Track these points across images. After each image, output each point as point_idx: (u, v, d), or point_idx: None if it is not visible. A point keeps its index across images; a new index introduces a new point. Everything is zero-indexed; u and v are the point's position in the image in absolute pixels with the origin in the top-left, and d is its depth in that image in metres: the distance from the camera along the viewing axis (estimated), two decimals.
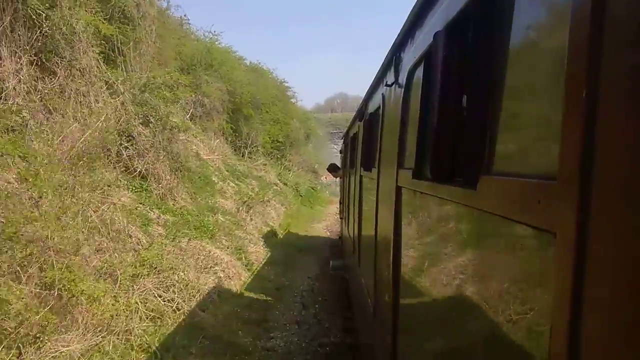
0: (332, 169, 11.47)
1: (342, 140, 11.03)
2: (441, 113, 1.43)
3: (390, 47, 2.88)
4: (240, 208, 12.03)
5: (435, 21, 1.60)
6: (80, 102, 7.79)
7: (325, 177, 35.82)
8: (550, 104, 0.84)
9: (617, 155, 0.58)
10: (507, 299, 1.02)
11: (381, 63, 3.40)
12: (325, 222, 18.63)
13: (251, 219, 12.02)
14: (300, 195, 22.66)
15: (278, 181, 21.15)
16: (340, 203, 11.79)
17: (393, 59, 2.80)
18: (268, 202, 14.50)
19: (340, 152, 12.09)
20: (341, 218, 10.73)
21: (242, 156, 20.48)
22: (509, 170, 1.03)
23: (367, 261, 3.89)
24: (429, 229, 1.88)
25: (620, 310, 0.56)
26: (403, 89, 2.35)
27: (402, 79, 2.41)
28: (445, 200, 1.48)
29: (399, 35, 2.54)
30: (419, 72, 1.99)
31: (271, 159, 24.39)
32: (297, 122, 29.89)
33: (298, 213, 18.54)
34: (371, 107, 4.19)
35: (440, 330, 1.64)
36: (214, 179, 13.09)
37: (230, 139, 19.30)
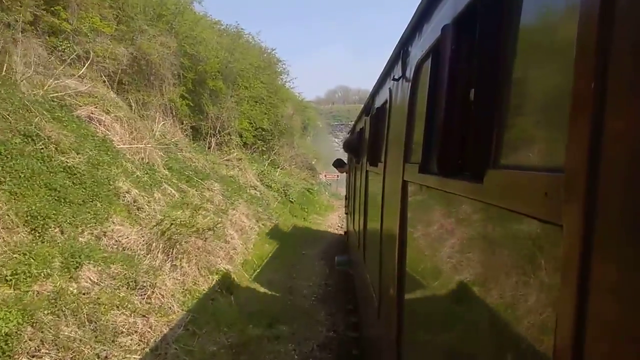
0: (338, 164, 10.94)
1: (349, 134, 10.73)
2: (448, 107, 1.43)
3: (397, 41, 2.83)
4: (155, 244, 6.16)
5: (443, 15, 1.61)
6: None
7: (325, 175, 30.17)
8: (558, 97, 0.84)
9: (625, 148, 0.58)
10: (513, 292, 1.02)
11: (388, 57, 3.37)
12: (323, 245, 12.66)
13: (173, 267, 6.13)
14: (290, 201, 16.82)
15: (258, 182, 15.24)
16: (345, 198, 11.42)
17: (400, 53, 2.75)
18: (228, 223, 8.65)
19: None
20: (346, 213, 10.60)
21: (208, 147, 14.64)
22: (516, 163, 1.03)
23: (372, 256, 3.86)
24: (435, 224, 1.85)
25: (626, 302, 0.56)
26: (410, 83, 2.33)
27: (410, 73, 2.38)
28: (452, 194, 1.46)
29: (406, 29, 2.50)
30: (427, 66, 1.96)
31: (253, 151, 18.54)
32: (291, 108, 23.96)
33: (283, 231, 12.66)
34: (378, 102, 4.16)
35: (445, 325, 1.62)
36: (120, 184, 7.23)
37: (187, 121, 13.44)
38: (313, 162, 29.86)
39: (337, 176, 28.62)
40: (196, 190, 10.22)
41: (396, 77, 2.84)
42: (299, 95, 29.29)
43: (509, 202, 0.97)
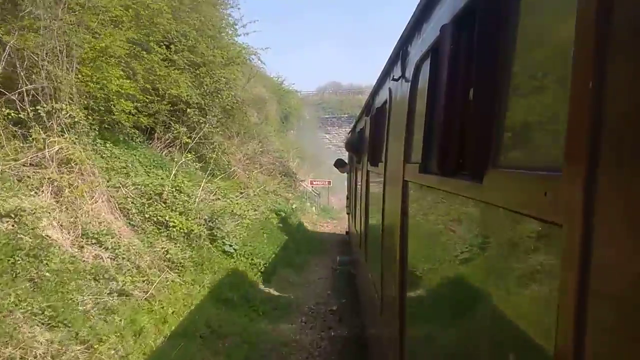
0: (339, 164, 11.00)
1: (349, 133, 10.05)
2: (448, 107, 1.42)
3: (397, 41, 2.82)
4: None
5: (442, 14, 1.62)
6: None
7: (311, 182, 21.17)
8: (557, 96, 0.85)
9: (624, 147, 0.57)
10: (513, 291, 1.02)
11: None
12: None
13: None
14: (225, 252, 7.61)
15: (121, 221, 6.03)
16: (347, 198, 11.29)
17: (400, 53, 2.75)
18: None
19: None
20: (348, 213, 10.56)
21: None
22: (516, 163, 1.03)
23: (374, 255, 3.88)
24: (435, 223, 1.87)
25: (625, 301, 0.56)
26: (410, 83, 2.33)
27: (409, 73, 2.38)
28: (452, 194, 1.46)
29: (405, 29, 2.51)
30: (426, 65, 1.97)
31: (167, 145, 9.36)
32: (249, 74, 14.71)
33: None
34: (378, 102, 4.16)
35: (447, 323, 1.62)
36: None
37: None
38: (294, 164, 20.46)
39: (329, 182, 19.74)
40: None
41: (396, 77, 2.84)
42: (278, 78, 20.49)
43: (508, 202, 0.97)
